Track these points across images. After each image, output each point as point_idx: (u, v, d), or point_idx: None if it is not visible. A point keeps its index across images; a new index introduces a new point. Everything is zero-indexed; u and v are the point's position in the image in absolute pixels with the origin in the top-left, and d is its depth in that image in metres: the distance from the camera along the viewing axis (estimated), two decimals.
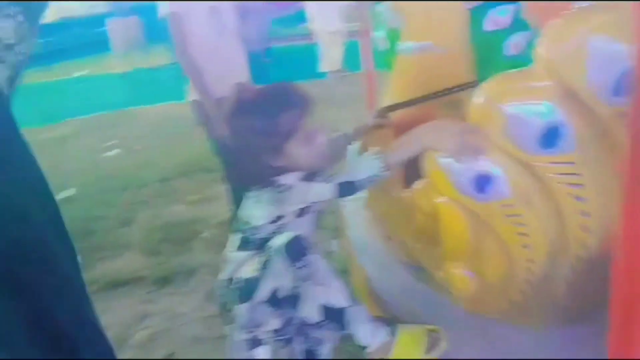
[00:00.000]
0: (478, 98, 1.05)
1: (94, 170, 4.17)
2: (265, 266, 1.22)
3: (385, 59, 2.37)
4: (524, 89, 0.99)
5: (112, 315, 2.26)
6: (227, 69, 2.33)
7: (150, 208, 3.38)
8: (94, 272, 2.64)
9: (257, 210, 1.31)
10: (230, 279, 1.34)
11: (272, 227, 1.29)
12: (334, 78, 6.53)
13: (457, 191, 1.15)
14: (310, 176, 1.26)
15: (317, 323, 1.26)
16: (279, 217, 1.29)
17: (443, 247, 1.24)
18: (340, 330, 1.26)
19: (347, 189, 1.25)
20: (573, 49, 0.94)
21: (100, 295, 2.44)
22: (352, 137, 1.61)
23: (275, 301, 1.24)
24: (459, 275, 1.23)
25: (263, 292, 1.24)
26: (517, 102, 0.97)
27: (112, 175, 3.99)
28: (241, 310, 1.30)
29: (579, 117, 0.97)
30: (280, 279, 1.21)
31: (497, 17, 1.56)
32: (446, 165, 1.15)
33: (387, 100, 1.88)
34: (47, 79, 8.82)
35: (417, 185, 1.32)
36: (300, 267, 1.18)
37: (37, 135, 5.50)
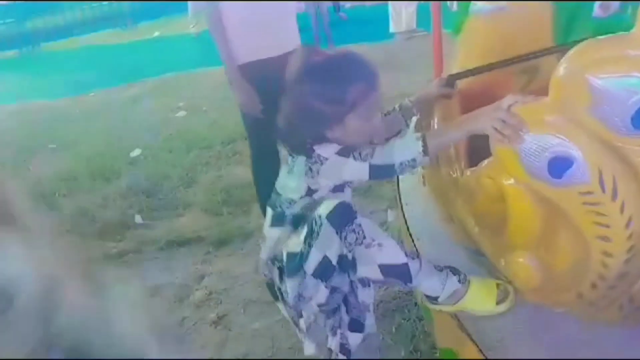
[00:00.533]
0: (562, 68, 0.89)
1: (163, 130, 4.26)
2: (309, 238, 1.18)
3: (456, 20, 2.19)
4: (618, 58, 0.83)
5: (170, 275, 2.33)
6: (273, 31, 2.10)
7: (214, 169, 3.41)
8: (156, 231, 2.72)
9: (290, 180, 1.28)
10: (273, 257, 1.30)
11: (306, 200, 1.26)
12: (402, 39, 6.27)
13: (529, 174, 1.02)
14: (347, 151, 1.20)
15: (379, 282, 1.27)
16: (313, 191, 1.25)
17: (508, 234, 1.12)
18: (405, 285, 1.25)
19: (380, 171, 1.19)
20: None
21: (161, 254, 2.52)
22: (411, 109, 1.49)
23: (325, 270, 1.20)
24: (523, 265, 1.11)
25: (311, 263, 1.20)
26: (608, 74, 0.82)
27: (178, 136, 4.06)
28: (288, 285, 1.26)
29: None
30: (329, 247, 1.17)
31: None
32: (518, 145, 1.01)
33: (456, 67, 1.72)
34: (129, 39, 9.12)
35: (483, 165, 1.20)
36: (347, 233, 1.15)
37: (111, 95, 5.73)
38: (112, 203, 3.08)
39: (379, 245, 1.18)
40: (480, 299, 1.22)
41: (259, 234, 2.50)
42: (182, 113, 4.74)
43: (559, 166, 0.97)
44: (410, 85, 4.48)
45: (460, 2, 2.17)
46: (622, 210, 0.94)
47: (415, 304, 1.85)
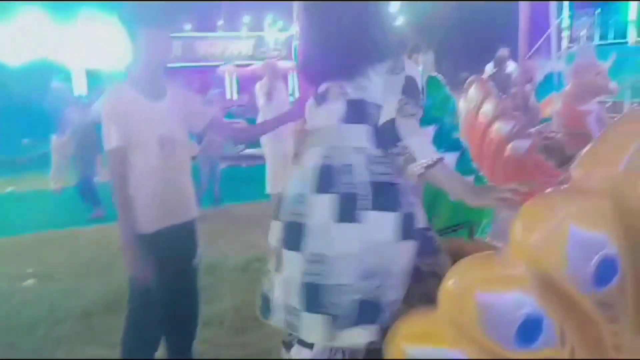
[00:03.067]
0: (449, 283, 0.93)
1: (4, 302, 3.69)
2: None
3: None
4: (499, 276, 0.89)
5: None
6: (175, 201, 2.17)
7: (64, 349, 2.97)
8: None
9: None
10: None
11: None
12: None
13: None
14: None
15: None
16: None
17: None
18: None
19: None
20: (553, 234, 0.88)
21: None
22: None
23: None
24: None
25: None
26: (492, 291, 0.86)
27: (24, 309, 3.53)
28: None
29: (560, 308, 0.88)
30: None
31: None
32: (413, 355, 1.00)
33: None
34: None
35: None
36: None
37: None
38: None
39: None
40: None
41: None
42: (30, 281, 4.20)
43: None
44: None
45: None
46: None
47: None
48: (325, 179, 1.41)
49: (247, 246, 4.67)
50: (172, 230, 2.14)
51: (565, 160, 4.13)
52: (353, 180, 1.40)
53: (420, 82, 1.47)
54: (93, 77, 11.71)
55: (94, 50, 11.29)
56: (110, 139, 2.04)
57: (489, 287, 0.87)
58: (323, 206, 1.40)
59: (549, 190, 0.92)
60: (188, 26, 15.62)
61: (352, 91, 1.47)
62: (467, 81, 6.31)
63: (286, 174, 6.26)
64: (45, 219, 5.71)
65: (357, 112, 1.47)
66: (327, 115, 1.51)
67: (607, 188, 0.91)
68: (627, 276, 0.91)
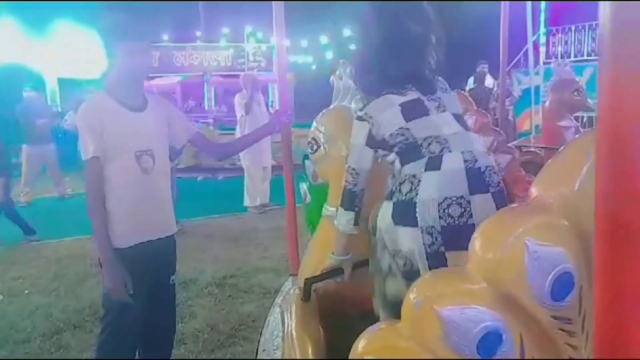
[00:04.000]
0: (411, 297, 0.96)
1: None
2: None
3: (309, 217, 2.35)
4: (459, 291, 0.92)
5: None
6: (153, 215, 2.16)
7: None
8: None
9: None
10: None
11: None
12: (256, 213, 6.49)
13: None
14: None
15: None
16: None
17: None
18: None
19: None
20: (511, 250, 0.91)
21: None
22: None
23: None
24: None
25: None
26: (452, 306, 0.89)
27: None
28: None
29: (519, 322, 0.91)
30: None
31: None
32: None
33: (311, 265, 1.81)
34: None
35: None
36: None
37: None
38: None
39: None
40: None
41: None
42: None
43: None
44: (264, 260, 4.55)
45: (311, 194, 2.37)
46: None
47: None
48: (479, 180, 1.51)
49: (223, 261, 4.65)
50: (149, 245, 2.12)
51: None
52: (498, 179, 1.55)
53: None
54: (65, 86, 11.59)
55: (68, 59, 11.20)
56: (87, 150, 2.02)
57: (450, 302, 0.90)
58: (484, 206, 1.48)
59: (506, 208, 0.96)
60: (166, 36, 15.62)
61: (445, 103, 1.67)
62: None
63: (265, 187, 6.29)
64: (15, 231, 5.58)
65: (462, 121, 1.66)
66: (446, 122, 1.61)
67: (563, 207, 0.95)
68: (584, 292, 0.95)
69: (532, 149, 5.02)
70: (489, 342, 0.90)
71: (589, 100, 4.41)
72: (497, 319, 0.90)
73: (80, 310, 3.61)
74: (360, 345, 1.00)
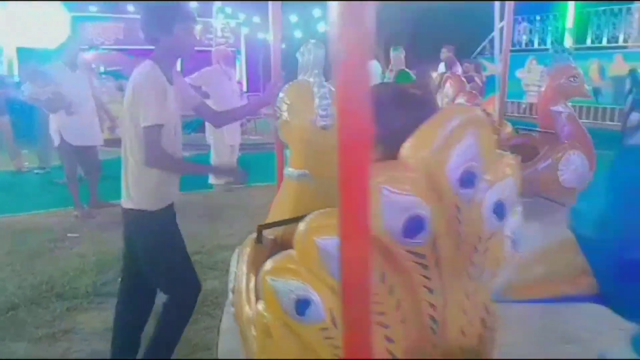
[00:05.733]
0: (300, 229, 1.29)
1: None
2: None
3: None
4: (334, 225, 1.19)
5: None
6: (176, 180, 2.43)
7: None
8: None
9: None
10: None
11: None
12: (221, 190, 6.52)
13: (283, 312, 1.36)
14: None
15: None
16: None
17: None
18: None
19: None
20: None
21: None
22: None
23: None
24: None
25: None
26: (329, 237, 1.20)
27: None
28: None
29: (379, 256, 1.23)
30: None
31: None
32: (274, 286, 1.35)
33: (270, 218, 2.23)
34: None
35: (259, 305, 1.52)
36: None
37: None
38: None
39: None
40: None
41: None
42: None
43: (302, 305, 1.31)
44: (228, 237, 4.57)
45: None
46: None
47: None
48: None
49: (187, 238, 4.61)
50: (169, 208, 2.38)
51: (533, 156, 4.50)
52: None
53: None
54: (25, 57, 11.23)
55: (26, 28, 10.85)
56: (151, 116, 2.13)
57: (325, 233, 1.22)
58: None
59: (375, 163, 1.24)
60: (132, 8, 15.21)
61: None
62: (443, 78, 6.68)
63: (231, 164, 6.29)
64: None
65: None
66: None
67: (422, 165, 1.23)
68: (440, 234, 1.25)
69: (526, 132, 5.29)
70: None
71: (585, 86, 4.59)
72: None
73: (36, 285, 3.59)
74: (264, 267, 1.37)
